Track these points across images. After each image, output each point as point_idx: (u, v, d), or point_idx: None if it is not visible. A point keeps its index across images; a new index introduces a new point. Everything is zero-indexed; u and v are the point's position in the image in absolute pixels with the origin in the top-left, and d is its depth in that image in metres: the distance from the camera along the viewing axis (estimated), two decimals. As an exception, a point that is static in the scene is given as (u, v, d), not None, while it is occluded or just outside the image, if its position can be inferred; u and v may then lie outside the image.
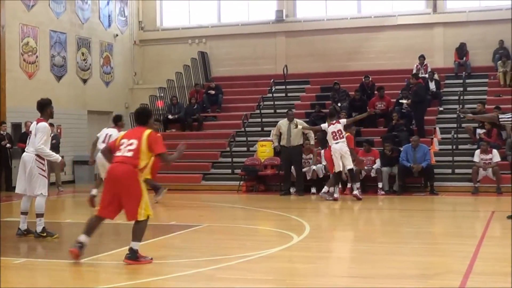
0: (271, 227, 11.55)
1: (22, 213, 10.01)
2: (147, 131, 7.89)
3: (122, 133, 8.97)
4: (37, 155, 9.69)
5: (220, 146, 20.44)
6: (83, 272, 7.72)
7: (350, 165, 15.46)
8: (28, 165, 9.70)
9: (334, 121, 15.72)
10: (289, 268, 7.84)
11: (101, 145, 13.53)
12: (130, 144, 7.82)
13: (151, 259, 7.91)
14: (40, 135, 9.66)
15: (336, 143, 15.45)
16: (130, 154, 7.77)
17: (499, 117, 12.11)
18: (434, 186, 16.63)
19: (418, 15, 23.59)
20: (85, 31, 23.55)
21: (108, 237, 11.20)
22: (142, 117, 8.09)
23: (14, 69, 20.35)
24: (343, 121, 15.91)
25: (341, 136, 15.45)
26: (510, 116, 11.90)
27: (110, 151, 8.15)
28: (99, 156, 13.37)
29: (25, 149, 9.98)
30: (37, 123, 9.83)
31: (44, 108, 9.92)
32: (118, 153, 7.88)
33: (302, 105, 21.83)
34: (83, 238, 7.89)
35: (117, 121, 13.84)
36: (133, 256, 7.76)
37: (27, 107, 20.23)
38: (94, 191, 13.40)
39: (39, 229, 9.83)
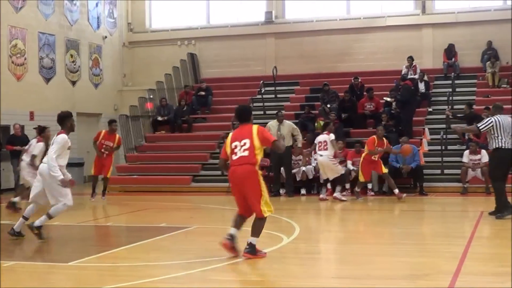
0: (261, 229, 11.54)
1: (23, 217, 9.91)
2: (255, 127, 8.15)
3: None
4: None
5: (210, 147, 20.43)
6: (74, 274, 7.69)
7: (336, 175, 15.61)
8: (46, 177, 9.56)
9: (326, 132, 15.78)
10: (280, 269, 7.85)
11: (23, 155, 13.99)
12: (244, 145, 8.05)
13: (265, 253, 8.21)
14: (55, 145, 9.55)
15: (321, 155, 15.55)
16: (246, 153, 8.02)
17: (479, 127, 11.97)
18: (423, 187, 16.69)
19: (407, 16, 23.69)
20: (73, 33, 23.50)
21: (98, 239, 11.20)
22: (245, 114, 8.37)
23: (3, 71, 20.25)
24: (332, 136, 15.83)
25: (325, 147, 15.53)
26: (487, 120, 11.81)
27: (225, 161, 8.33)
28: (23, 166, 13.79)
29: (42, 160, 9.99)
30: (57, 135, 9.73)
31: (64, 121, 9.78)
32: (234, 157, 8.09)
33: (292, 107, 21.83)
34: (232, 231, 8.14)
35: (41, 132, 13.67)
36: (252, 251, 8.06)
37: (16, 109, 20.20)
38: (16, 199, 13.89)
39: (37, 223, 9.59)
